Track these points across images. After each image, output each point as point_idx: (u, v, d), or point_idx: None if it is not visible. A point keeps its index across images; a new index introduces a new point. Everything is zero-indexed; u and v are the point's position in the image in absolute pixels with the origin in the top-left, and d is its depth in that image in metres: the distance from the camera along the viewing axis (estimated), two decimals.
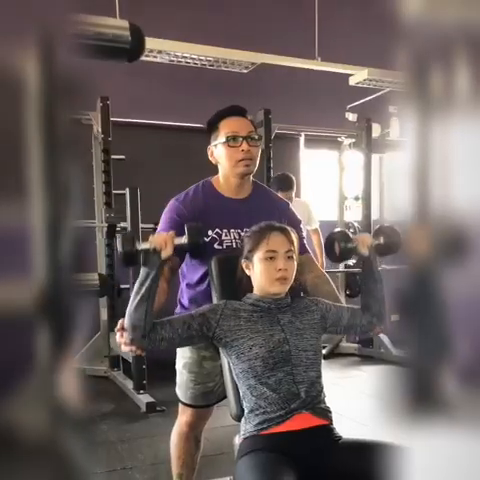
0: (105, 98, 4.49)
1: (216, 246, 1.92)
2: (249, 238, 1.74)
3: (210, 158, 2.02)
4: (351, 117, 5.62)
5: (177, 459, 2.15)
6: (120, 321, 1.66)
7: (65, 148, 0.55)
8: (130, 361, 4.17)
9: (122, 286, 4.64)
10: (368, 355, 5.47)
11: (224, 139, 1.93)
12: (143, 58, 4.03)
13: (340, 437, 1.63)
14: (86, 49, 0.56)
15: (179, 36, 4.50)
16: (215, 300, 1.83)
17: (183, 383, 2.05)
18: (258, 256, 1.69)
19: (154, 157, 5.21)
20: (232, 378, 1.72)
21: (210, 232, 1.92)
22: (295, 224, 1.94)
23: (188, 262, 1.96)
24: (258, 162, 2.00)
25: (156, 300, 1.65)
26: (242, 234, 1.89)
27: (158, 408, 3.84)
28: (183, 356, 2.03)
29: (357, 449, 1.59)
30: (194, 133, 4.68)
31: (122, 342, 1.65)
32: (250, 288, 1.75)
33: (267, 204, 2.02)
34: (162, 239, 1.62)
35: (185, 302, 2.03)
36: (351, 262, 5.75)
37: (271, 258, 1.67)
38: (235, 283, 1.78)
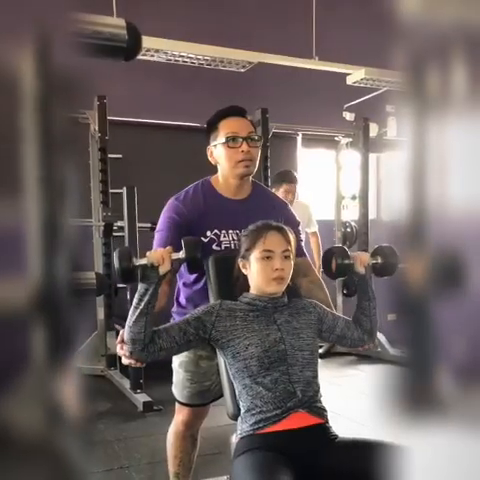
0: (102, 97, 4.48)
1: (214, 247, 1.91)
2: (246, 237, 1.73)
3: (209, 158, 2.01)
4: (348, 116, 5.62)
5: (174, 458, 2.15)
6: (120, 333, 1.66)
7: (62, 147, 0.55)
8: None
9: (119, 285, 4.63)
10: (365, 354, 5.47)
11: (224, 140, 1.92)
12: (140, 57, 4.02)
13: (336, 436, 1.63)
14: (83, 47, 0.56)
15: (176, 35, 4.49)
16: (211, 299, 1.83)
17: (179, 382, 2.05)
18: (255, 255, 1.69)
19: (151, 156, 5.20)
20: (228, 377, 1.72)
21: (209, 233, 1.91)
22: (293, 224, 1.94)
23: None
24: (258, 162, 1.99)
25: (156, 305, 1.64)
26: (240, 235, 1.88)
27: (155, 407, 3.84)
28: (180, 355, 2.02)
29: (353, 448, 1.59)
30: (191, 132, 4.69)
31: (122, 354, 1.65)
32: (247, 287, 1.75)
33: (265, 204, 2.02)
34: (159, 255, 1.61)
35: (182, 301, 2.03)
36: None
37: (268, 258, 1.67)
38: (232, 282, 1.78)
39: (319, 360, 1.74)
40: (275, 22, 5.88)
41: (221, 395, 1.87)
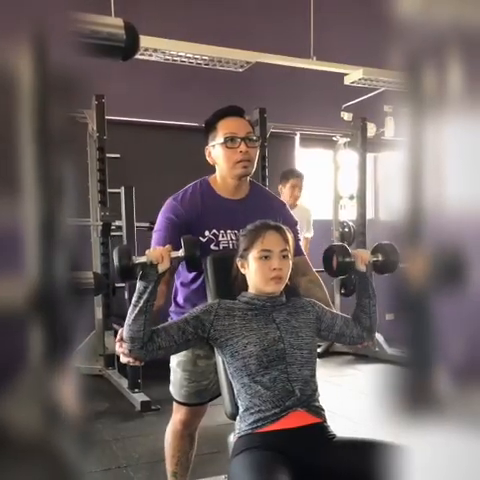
0: (100, 96, 4.48)
1: (212, 247, 1.91)
2: (244, 237, 1.74)
3: (208, 158, 2.00)
4: (346, 116, 5.62)
5: (171, 457, 2.15)
6: (120, 331, 1.66)
7: (59, 146, 0.55)
8: None
9: (117, 285, 4.63)
10: (363, 354, 5.48)
11: (222, 140, 1.91)
12: (138, 56, 4.02)
13: (334, 435, 1.64)
14: (81, 47, 0.56)
15: (174, 35, 4.49)
16: (209, 299, 1.83)
17: (177, 381, 2.05)
18: (253, 255, 1.69)
19: (149, 156, 5.20)
20: (227, 377, 1.72)
21: (207, 233, 1.91)
22: (291, 223, 1.94)
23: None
24: (256, 163, 1.99)
25: (154, 304, 1.64)
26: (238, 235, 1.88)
27: (153, 407, 3.84)
28: (177, 354, 2.02)
29: (351, 447, 1.59)
30: (189, 132, 4.69)
31: (121, 352, 1.65)
32: (245, 287, 1.75)
33: (263, 203, 2.02)
34: (159, 253, 1.61)
35: (180, 300, 2.03)
36: None
37: (266, 257, 1.67)
38: (230, 282, 1.78)
39: (317, 359, 1.74)
40: (273, 22, 5.89)
41: (219, 394, 1.87)
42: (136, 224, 4.27)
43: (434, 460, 0.60)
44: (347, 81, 5.27)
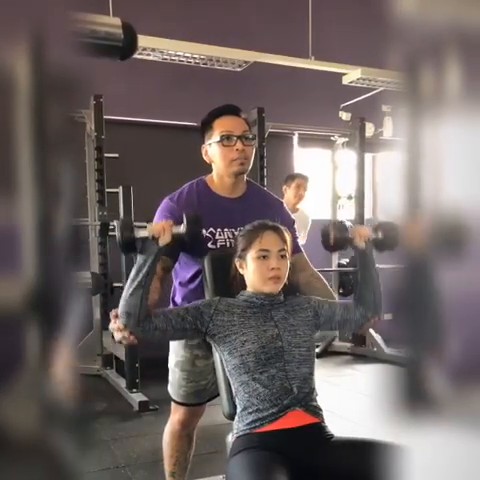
0: (98, 96, 4.47)
1: (210, 245, 1.91)
2: (242, 237, 1.74)
3: (204, 157, 2.01)
4: (344, 116, 5.63)
5: (170, 457, 2.15)
6: (114, 309, 1.65)
7: (57, 146, 0.55)
8: (123, 360, 4.17)
9: (115, 284, 4.63)
10: (361, 354, 5.49)
11: (218, 138, 1.92)
12: (136, 56, 4.02)
13: (332, 435, 1.64)
14: (79, 46, 0.56)
15: (172, 34, 4.49)
16: (207, 298, 1.83)
17: (175, 381, 2.05)
18: (251, 255, 1.69)
19: (147, 155, 5.20)
20: (225, 376, 1.72)
21: (204, 231, 1.91)
22: (288, 222, 1.94)
23: (181, 260, 1.96)
24: (252, 161, 2.00)
25: (149, 297, 1.64)
26: (236, 233, 1.88)
27: (151, 407, 3.84)
28: (176, 354, 2.02)
29: (349, 447, 1.59)
30: (188, 131, 4.67)
31: (115, 328, 1.63)
32: (243, 286, 1.75)
33: (261, 203, 2.02)
34: (160, 227, 1.64)
35: (178, 300, 2.03)
36: (344, 261, 5.77)
37: (264, 257, 1.68)
38: (228, 281, 1.78)
39: (316, 359, 1.74)
40: (271, 22, 5.89)
41: (217, 394, 1.87)
42: (134, 224, 4.26)
43: (433, 460, 0.60)
44: (345, 81, 5.27)
